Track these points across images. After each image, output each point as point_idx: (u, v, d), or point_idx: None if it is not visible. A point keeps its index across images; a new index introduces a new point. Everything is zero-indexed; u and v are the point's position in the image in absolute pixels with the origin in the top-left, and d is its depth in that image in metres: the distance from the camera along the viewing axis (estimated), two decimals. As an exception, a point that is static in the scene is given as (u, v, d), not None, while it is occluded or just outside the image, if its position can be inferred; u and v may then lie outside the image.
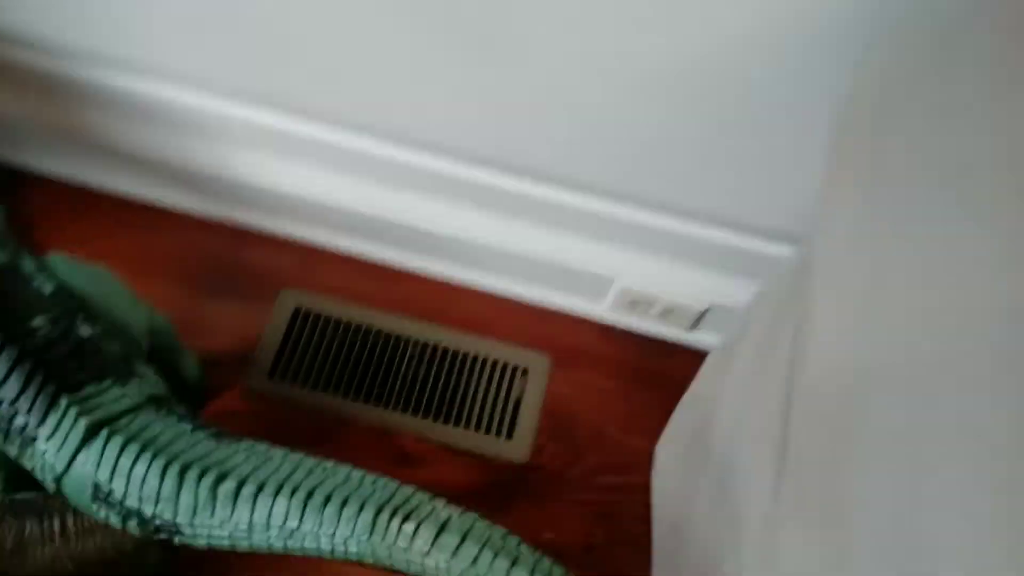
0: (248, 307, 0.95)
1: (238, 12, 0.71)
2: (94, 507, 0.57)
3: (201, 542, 0.57)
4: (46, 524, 0.63)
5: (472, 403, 0.92)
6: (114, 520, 0.57)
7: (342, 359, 0.93)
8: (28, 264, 0.62)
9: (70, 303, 0.61)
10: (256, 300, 0.96)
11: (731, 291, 0.87)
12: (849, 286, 0.39)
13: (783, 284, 0.65)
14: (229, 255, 0.98)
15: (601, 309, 0.95)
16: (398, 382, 0.92)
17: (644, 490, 0.88)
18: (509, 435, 0.91)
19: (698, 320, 0.92)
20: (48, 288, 0.61)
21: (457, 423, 0.91)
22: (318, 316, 0.95)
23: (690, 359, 0.94)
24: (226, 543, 0.57)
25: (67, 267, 0.65)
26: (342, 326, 0.94)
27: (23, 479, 0.66)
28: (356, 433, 0.90)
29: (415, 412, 0.91)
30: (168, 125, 0.88)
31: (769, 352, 0.63)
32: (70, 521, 0.64)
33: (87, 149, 0.93)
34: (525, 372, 0.94)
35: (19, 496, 0.64)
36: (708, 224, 0.80)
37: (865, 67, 0.49)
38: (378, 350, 0.93)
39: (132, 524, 0.57)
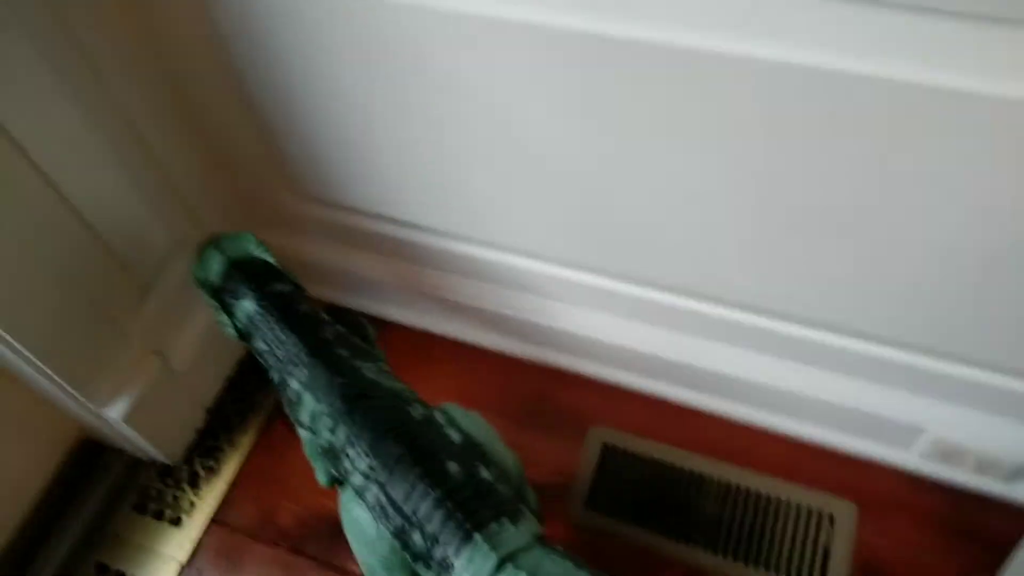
0: (560, 442, 1.06)
1: (584, 207, 0.84)
2: (496, 631, 0.66)
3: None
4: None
5: (780, 547, 0.95)
6: None
7: (651, 496, 1.00)
8: (438, 415, 0.76)
9: (475, 451, 0.73)
10: (567, 436, 1.06)
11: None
12: None
13: None
14: (543, 393, 1.10)
15: (910, 457, 0.96)
16: (703, 521, 0.97)
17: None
18: (818, 581, 0.92)
19: (1018, 473, 0.90)
20: (457, 437, 0.74)
21: (766, 567, 0.94)
22: (626, 453, 1.03)
23: (1008, 512, 0.92)
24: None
25: (459, 414, 0.78)
26: (649, 464, 1.02)
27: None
28: (665, 569, 0.95)
29: (723, 553, 0.95)
30: (500, 283, 1.03)
31: None
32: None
33: (430, 301, 1.10)
34: (832, 519, 0.95)
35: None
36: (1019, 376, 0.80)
37: None
38: (683, 488, 1.00)
39: (529, 649, 0.66)
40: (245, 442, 1.12)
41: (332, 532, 1.03)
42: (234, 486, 1.09)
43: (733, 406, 1.02)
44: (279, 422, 1.13)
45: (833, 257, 0.77)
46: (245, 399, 1.15)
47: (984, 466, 0.91)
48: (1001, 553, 0.80)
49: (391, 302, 1.14)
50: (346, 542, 0.75)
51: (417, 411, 0.76)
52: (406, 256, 1.06)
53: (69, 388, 0.91)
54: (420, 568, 0.71)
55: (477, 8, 0.67)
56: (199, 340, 1.07)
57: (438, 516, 0.68)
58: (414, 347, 1.15)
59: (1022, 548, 0.79)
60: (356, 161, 0.92)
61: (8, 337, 0.81)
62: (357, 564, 0.95)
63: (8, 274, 0.80)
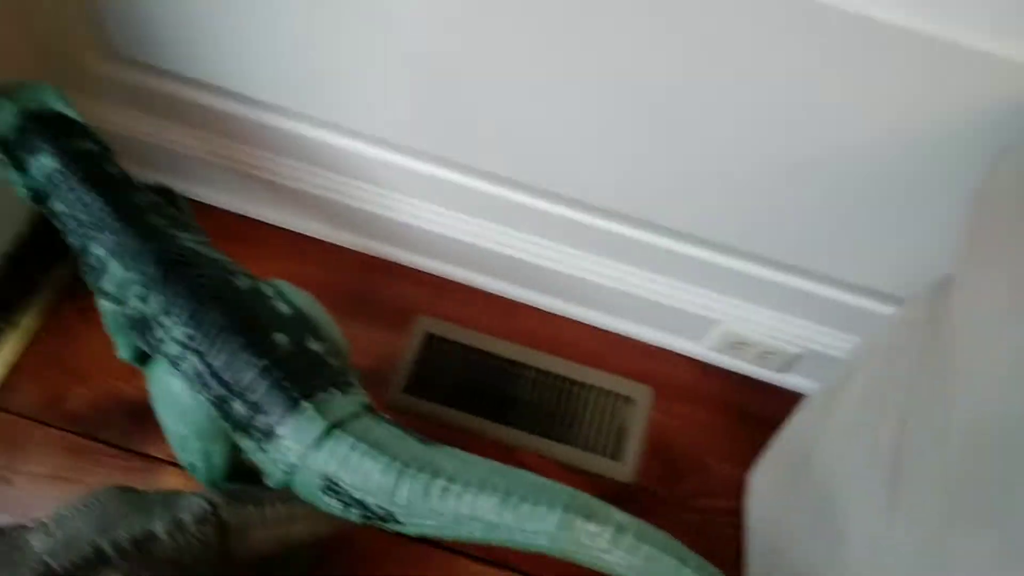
0: (385, 332, 1.07)
1: (420, 82, 0.83)
2: (323, 497, 0.68)
3: (412, 530, 0.67)
4: (261, 510, 0.74)
5: (584, 426, 1.03)
6: (337, 509, 0.68)
7: (470, 382, 1.04)
8: (266, 287, 0.74)
9: (305, 323, 0.72)
10: (392, 326, 1.07)
11: (824, 339, 0.98)
12: (1000, 344, 0.50)
13: (894, 339, 0.76)
14: (370, 283, 1.09)
15: (701, 349, 1.06)
16: (518, 404, 1.03)
17: (735, 512, 0.99)
18: (615, 457, 1.02)
19: (790, 364, 1.03)
20: (286, 310, 0.73)
21: (572, 443, 1.01)
22: (449, 342, 1.06)
23: (780, 397, 1.05)
24: (433, 532, 0.67)
25: (289, 289, 0.77)
26: (471, 352, 1.06)
27: (237, 475, 0.78)
28: (483, 448, 1.00)
29: (533, 431, 1.02)
30: (330, 167, 1.00)
31: (881, 397, 0.74)
32: (281, 509, 0.75)
33: (252, 183, 1.05)
34: (630, 400, 1.05)
35: (239, 486, 0.75)
36: (814, 279, 0.91)
37: (1010, 155, 0.60)
38: (501, 375, 1.05)
39: (354, 512, 0.67)
40: (28, 324, 1.03)
41: (130, 416, 0.98)
42: (15, 370, 1.00)
43: (548, 299, 1.08)
44: (69, 302, 1.05)
45: (648, 152, 0.82)
46: (27, 276, 1.05)
47: (763, 357, 1.04)
48: (770, 427, 0.92)
49: (209, 183, 1.08)
50: (145, 427, 0.72)
51: (243, 281, 0.74)
52: (228, 132, 0.99)
53: None
54: (239, 437, 0.70)
55: None
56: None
57: (263, 385, 0.67)
58: (234, 232, 1.10)
59: (786, 427, 0.91)
60: (178, 15, 0.84)
61: None
62: (158, 448, 0.92)
63: None
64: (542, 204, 0.95)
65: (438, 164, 0.95)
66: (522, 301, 1.10)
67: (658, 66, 0.72)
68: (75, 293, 1.04)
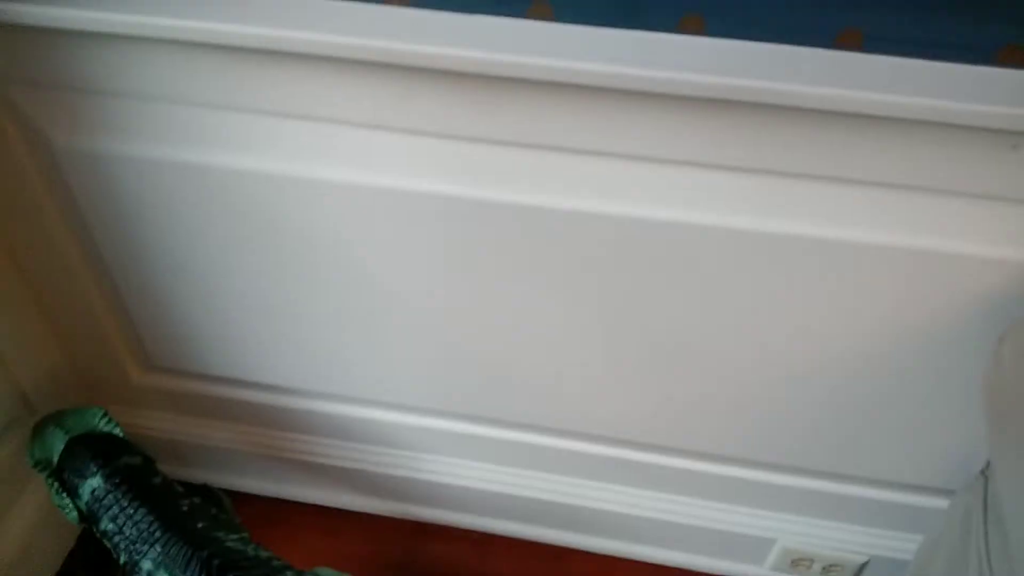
0: (433, 599, 1.03)
1: (450, 355, 0.88)
2: None
3: None
4: None
5: None
6: None
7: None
8: (312, 581, 0.73)
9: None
10: (439, 592, 1.03)
11: (888, 543, 0.94)
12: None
13: (951, 534, 0.74)
14: (413, 549, 1.07)
15: (764, 570, 1.02)
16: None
17: None
18: None
19: (859, 573, 0.98)
20: None
21: None
22: (501, 602, 1.02)
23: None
24: None
25: (331, 577, 0.76)
26: (525, 610, 1.01)
27: None
28: None
29: None
30: (361, 439, 1.02)
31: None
32: None
33: (287, 466, 1.06)
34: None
35: None
36: (863, 484, 0.90)
37: (1007, 341, 0.62)
38: (560, 631, 0.99)
39: None
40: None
41: None
42: None
43: (597, 541, 1.05)
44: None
45: (671, 385, 0.84)
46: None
47: (829, 571, 0.99)
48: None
49: (246, 472, 1.09)
50: None
51: (290, 577, 0.73)
52: (261, 421, 1.03)
53: None
54: None
55: (330, 174, 0.72)
56: (25, 532, 0.96)
57: None
58: (272, 517, 1.09)
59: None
60: (210, 325, 0.91)
61: None
62: None
63: None
64: (576, 445, 0.96)
65: (466, 420, 0.97)
66: (571, 546, 1.07)
67: (673, 309, 0.76)
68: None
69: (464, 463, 1.02)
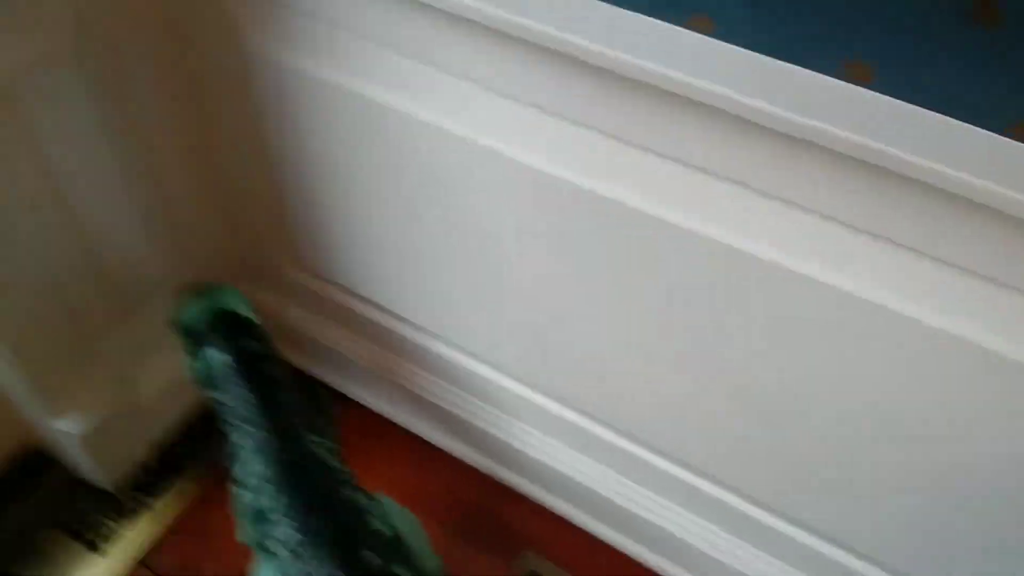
0: (490, 558, 1.06)
1: (557, 339, 0.88)
2: None
3: None
4: None
5: None
6: None
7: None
8: (373, 505, 0.78)
9: (398, 547, 0.75)
10: (499, 554, 1.06)
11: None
12: None
13: None
14: (486, 506, 1.11)
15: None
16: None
17: None
18: None
19: None
20: (385, 530, 0.76)
21: None
22: (550, 585, 1.03)
23: None
24: None
25: (394, 509, 0.80)
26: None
27: None
28: None
29: None
30: (465, 388, 1.06)
31: None
32: None
33: (395, 390, 1.13)
34: None
35: None
36: None
37: None
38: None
39: None
40: (187, 489, 1.13)
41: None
42: (167, 531, 1.09)
43: (675, 569, 1.03)
44: (223, 477, 1.14)
45: (771, 441, 0.79)
46: (198, 446, 1.17)
47: None
48: None
49: (359, 381, 1.17)
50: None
51: (350, 494, 0.78)
52: (382, 341, 1.09)
53: (28, 389, 0.93)
54: None
55: (489, 141, 0.73)
56: (168, 376, 1.10)
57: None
58: (371, 430, 1.17)
59: None
60: (356, 247, 0.97)
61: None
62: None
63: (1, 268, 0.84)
64: (660, 462, 0.94)
65: (556, 401, 0.98)
66: (640, 560, 1.05)
67: (787, 363, 0.72)
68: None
69: (553, 443, 1.03)
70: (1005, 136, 0.49)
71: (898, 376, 0.65)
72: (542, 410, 1.00)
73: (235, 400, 0.84)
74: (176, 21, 0.85)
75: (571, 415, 0.98)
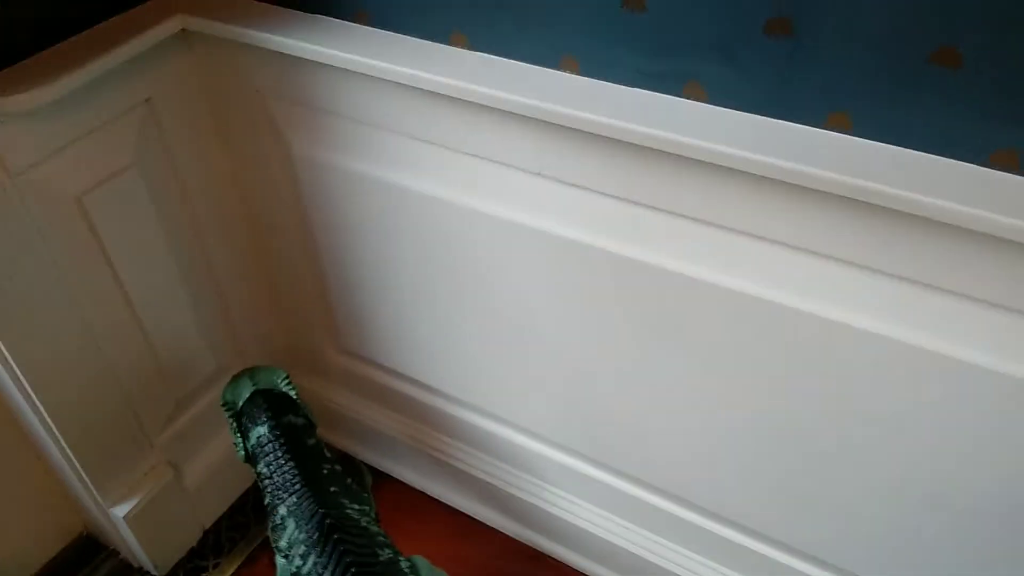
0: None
1: (585, 399, 0.92)
2: None
3: None
4: None
5: None
6: None
7: None
8: (404, 563, 0.80)
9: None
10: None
11: None
12: None
13: None
14: (523, 573, 1.11)
15: None
16: None
17: None
18: None
19: None
20: None
21: None
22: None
23: None
24: None
25: (426, 569, 0.82)
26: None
27: None
28: None
29: None
30: (499, 456, 1.09)
31: None
32: None
33: (432, 463, 1.16)
34: None
35: None
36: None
37: None
38: None
39: None
40: (230, 570, 1.15)
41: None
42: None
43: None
44: (265, 555, 1.17)
45: (790, 478, 0.81)
46: (241, 528, 1.20)
47: None
48: None
49: (396, 458, 1.20)
50: None
51: (385, 555, 0.81)
52: (418, 416, 1.13)
53: (86, 478, 0.98)
54: None
55: (494, 209, 0.79)
56: (215, 463, 1.14)
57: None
58: (407, 504, 1.19)
59: None
60: (392, 326, 1.03)
61: (47, 416, 0.91)
62: None
63: (66, 360, 0.91)
64: (690, 516, 0.95)
65: (584, 461, 1.00)
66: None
67: (804, 403, 0.75)
68: (270, 547, 1.17)
69: (583, 504, 1.05)
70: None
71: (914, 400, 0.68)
72: (568, 470, 1.02)
73: (278, 471, 0.88)
74: (226, 129, 0.94)
75: (608, 477, 1.00)
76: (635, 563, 1.04)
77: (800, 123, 0.58)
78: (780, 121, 0.59)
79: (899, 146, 0.56)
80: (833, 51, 0.55)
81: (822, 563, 0.89)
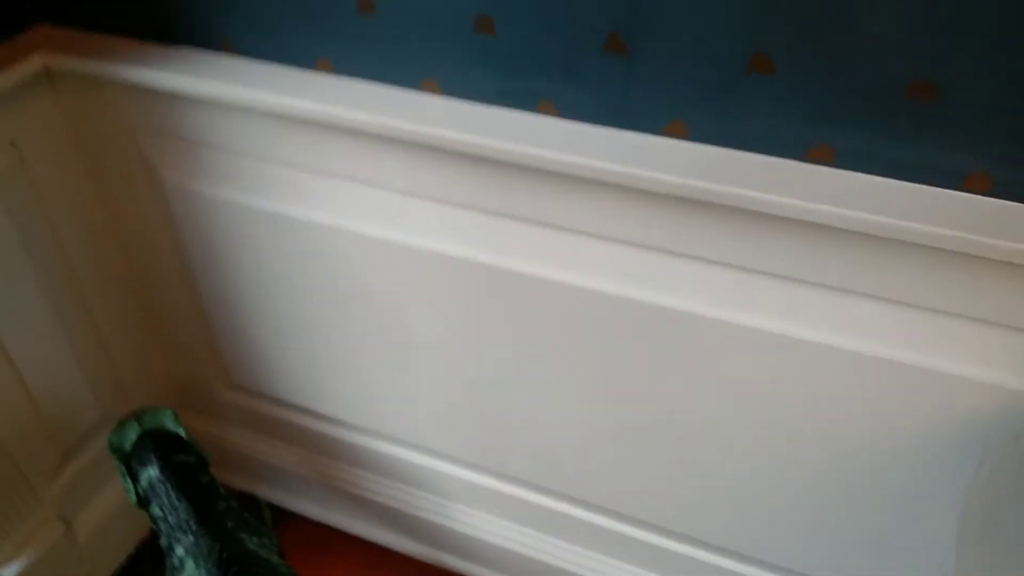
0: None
1: (476, 409, 0.94)
2: None
3: None
4: None
5: None
6: None
7: None
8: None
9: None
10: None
11: None
12: None
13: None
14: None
15: None
16: None
17: None
18: None
19: None
20: None
21: None
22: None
23: None
24: None
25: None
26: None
27: None
28: None
29: None
30: (402, 479, 1.09)
31: None
32: None
33: (334, 494, 1.15)
34: None
35: None
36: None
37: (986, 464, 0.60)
38: None
39: None
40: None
41: None
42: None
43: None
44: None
45: (674, 466, 0.86)
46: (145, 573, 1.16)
47: None
48: None
49: (298, 494, 1.19)
50: None
51: (291, 586, 0.80)
52: (316, 447, 1.13)
53: (-33, 540, 0.94)
54: None
55: (369, 230, 0.81)
56: (108, 513, 1.11)
57: None
58: (316, 540, 1.18)
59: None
60: (283, 358, 1.03)
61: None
62: None
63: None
64: (589, 516, 0.99)
65: (482, 472, 1.02)
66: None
67: (676, 393, 0.79)
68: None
69: (492, 519, 1.07)
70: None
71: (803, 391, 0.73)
72: (469, 484, 1.04)
73: (171, 512, 0.86)
74: (98, 169, 0.93)
75: (511, 488, 1.02)
76: (551, 574, 1.06)
77: (641, 132, 0.63)
78: (623, 131, 0.63)
79: (730, 148, 0.61)
80: (665, 65, 0.60)
81: (741, 557, 0.93)
